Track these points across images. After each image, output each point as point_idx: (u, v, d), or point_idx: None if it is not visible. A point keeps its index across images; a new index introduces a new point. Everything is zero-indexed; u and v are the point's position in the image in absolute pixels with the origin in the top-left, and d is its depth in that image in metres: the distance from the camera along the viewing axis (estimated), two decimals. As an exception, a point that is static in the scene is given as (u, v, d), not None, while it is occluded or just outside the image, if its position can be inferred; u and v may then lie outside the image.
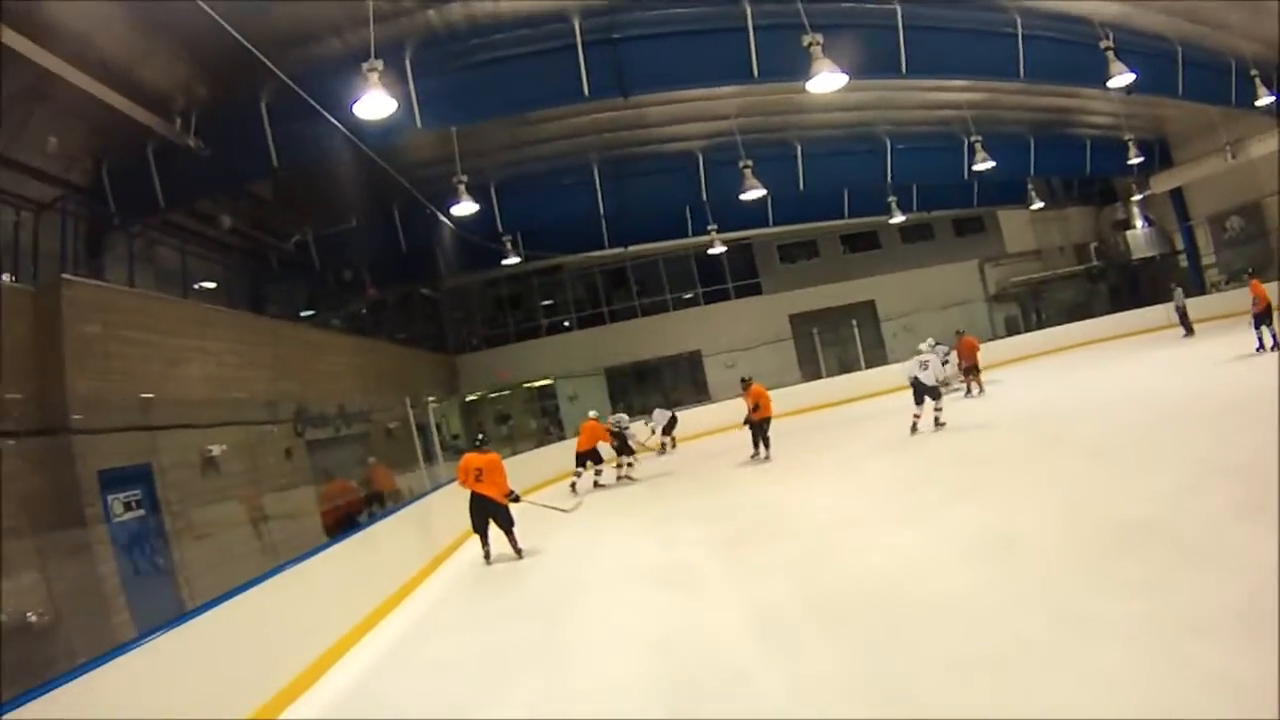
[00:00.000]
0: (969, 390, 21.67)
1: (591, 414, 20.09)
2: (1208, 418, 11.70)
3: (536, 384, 31.77)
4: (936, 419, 16.52)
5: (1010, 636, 5.48)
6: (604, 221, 24.85)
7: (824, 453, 17.18)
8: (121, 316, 12.05)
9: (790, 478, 14.98)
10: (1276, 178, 26.99)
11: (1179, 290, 25.48)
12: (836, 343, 31.00)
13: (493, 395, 30.98)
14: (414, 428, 16.44)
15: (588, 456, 19.05)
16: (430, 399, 18.33)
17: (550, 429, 29.96)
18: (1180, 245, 33.20)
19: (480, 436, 13.36)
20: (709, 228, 26.00)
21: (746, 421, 18.08)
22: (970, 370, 21.66)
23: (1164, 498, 7.96)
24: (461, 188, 16.62)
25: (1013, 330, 33.22)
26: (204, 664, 6.33)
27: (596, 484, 19.00)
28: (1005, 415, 16.06)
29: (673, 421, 23.77)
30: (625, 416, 20.97)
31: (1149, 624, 5.12)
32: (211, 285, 17.76)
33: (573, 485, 18.85)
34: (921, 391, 16.60)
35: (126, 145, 13.78)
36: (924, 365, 16.77)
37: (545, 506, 14.01)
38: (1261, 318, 17.62)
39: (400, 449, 17.79)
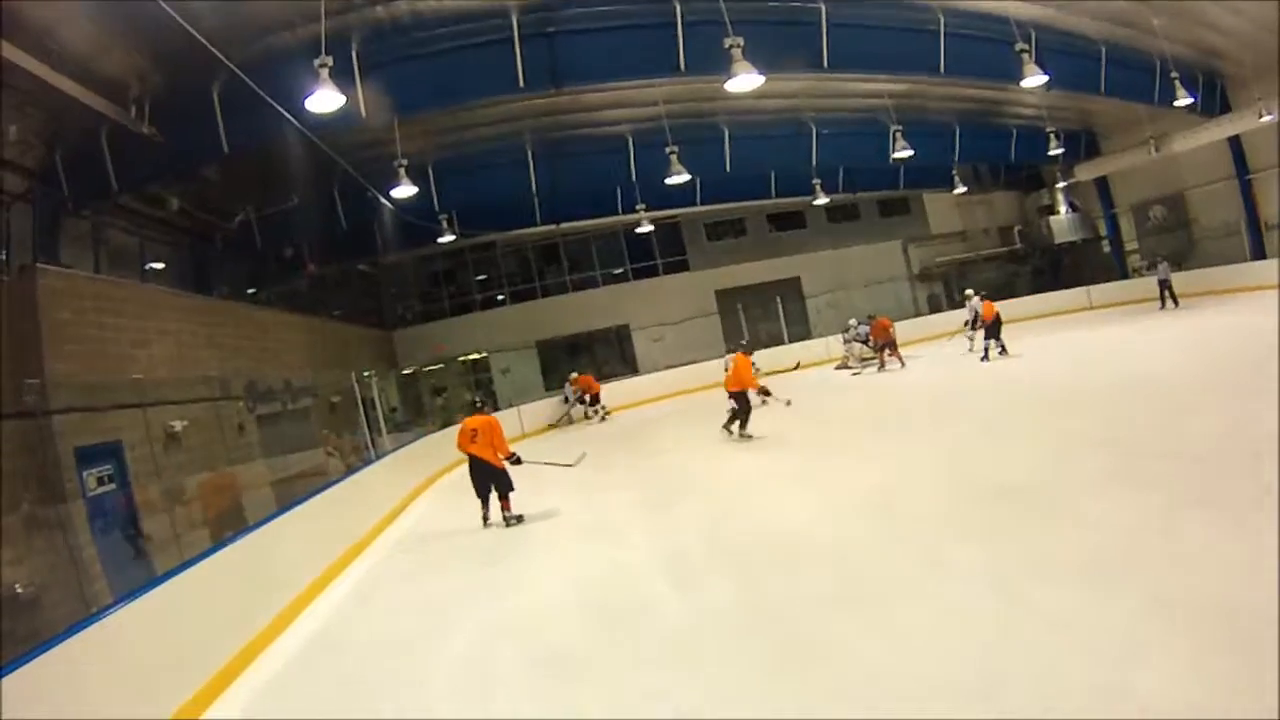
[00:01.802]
0: (882, 365, 23.12)
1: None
2: (1095, 394, 12.89)
3: (471, 357, 32.34)
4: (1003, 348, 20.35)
5: (878, 574, 6.70)
6: (537, 200, 25.51)
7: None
8: (89, 302, 12.70)
9: (716, 446, 15.95)
10: (1198, 172, 28.64)
11: (1164, 264, 26.29)
12: (763, 318, 31.76)
13: (428, 369, 31.48)
14: (360, 401, 17.14)
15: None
16: (368, 373, 18.95)
17: (484, 401, 30.47)
18: (1104, 231, 34.67)
19: (478, 400, 13.72)
20: (637, 207, 26.85)
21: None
22: (885, 347, 23.19)
23: (1037, 464, 9.12)
24: (401, 171, 16.99)
25: (935, 308, 34.42)
26: (176, 624, 7.00)
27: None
28: (915, 388, 17.13)
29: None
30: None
31: (997, 567, 6.18)
32: (160, 266, 18.21)
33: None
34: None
35: (81, 131, 13.96)
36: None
37: (547, 464, 13.88)
38: (990, 331, 20.79)
39: (344, 422, 18.55)
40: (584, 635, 6.77)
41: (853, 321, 25.50)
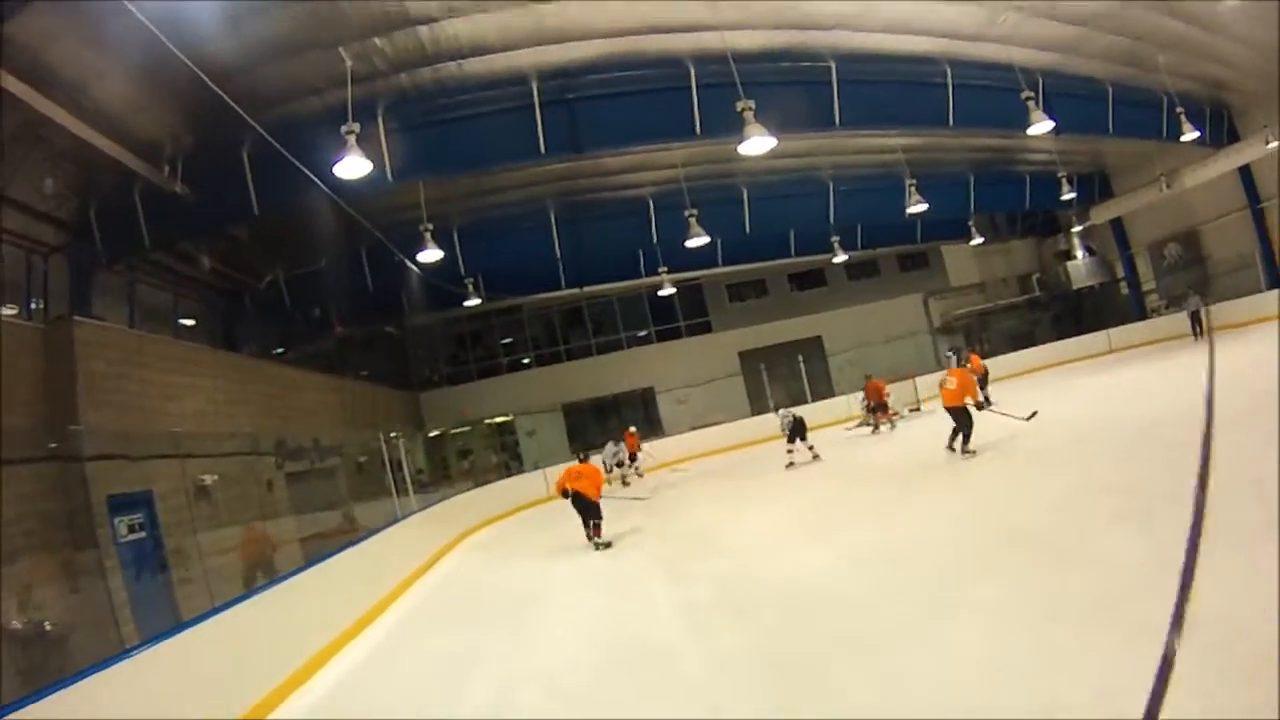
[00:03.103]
0: (876, 427, 23.17)
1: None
2: (1108, 440, 12.83)
3: (497, 420, 32.60)
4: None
5: (884, 622, 6.72)
6: (561, 264, 25.73)
7: (765, 480, 18.68)
8: (122, 354, 13.20)
9: (734, 502, 16.43)
10: (1210, 206, 28.52)
11: (1196, 296, 26.58)
12: (786, 378, 31.50)
13: (455, 431, 31.76)
14: (388, 462, 17.42)
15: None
16: (394, 434, 19.25)
17: (509, 464, 30.82)
18: (1121, 273, 34.57)
19: (582, 454, 15.78)
20: (659, 269, 27.17)
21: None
22: (877, 409, 23.35)
23: (1049, 510, 9.09)
24: (427, 235, 17.39)
25: (958, 361, 34.01)
26: (202, 667, 7.23)
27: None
28: (930, 439, 17.19)
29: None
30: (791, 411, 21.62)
31: (1008, 611, 6.21)
32: (190, 322, 18.71)
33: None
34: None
35: (115, 187, 14.34)
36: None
37: (626, 499, 16.72)
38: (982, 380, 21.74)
39: (369, 481, 18.83)
40: (604, 679, 7.00)
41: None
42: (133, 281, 16.38)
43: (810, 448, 19.81)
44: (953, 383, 14.92)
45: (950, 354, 20.93)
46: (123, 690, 6.18)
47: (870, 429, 23.18)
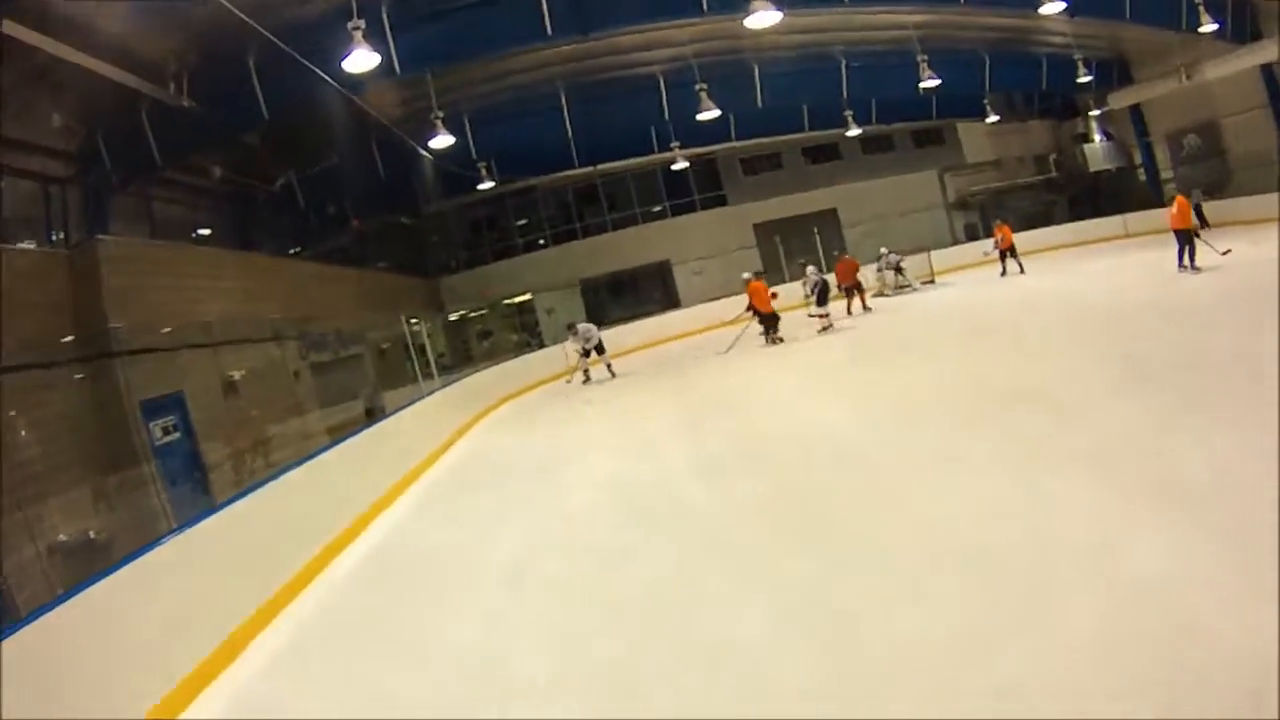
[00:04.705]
0: (849, 310, 22.24)
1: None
2: (1118, 316, 13.26)
3: (515, 300, 32.91)
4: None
5: (890, 469, 7.35)
6: (573, 143, 25.61)
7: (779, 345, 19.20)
8: (145, 266, 13.52)
9: (748, 366, 17.14)
10: (1232, 100, 28.08)
11: (1197, 190, 26.13)
12: (802, 250, 31.09)
13: (474, 313, 32.13)
14: (411, 347, 17.81)
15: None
16: (414, 319, 19.57)
17: (529, 341, 31.19)
18: (1139, 160, 34.19)
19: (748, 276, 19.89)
20: (672, 145, 27.24)
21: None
22: (851, 290, 22.86)
23: (1053, 375, 9.62)
24: (438, 123, 17.41)
25: (972, 236, 34.05)
26: (245, 540, 7.71)
27: None
28: (943, 310, 17.42)
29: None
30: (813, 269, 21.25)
31: (1007, 460, 6.73)
32: (207, 232, 18.96)
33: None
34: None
35: (121, 111, 14.31)
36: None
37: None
38: (1005, 253, 24.50)
39: (392, 368, 19.27)
40: (624, 531, 7.58)
41: (884, 250, 25.75)
42: (148, 200, 16.61)
43: (825, 314, 19.68)
44: (1175, 208, 16.84)
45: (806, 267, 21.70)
46: (166, 571, 6.61)
47: (820, 318, 20.13)
